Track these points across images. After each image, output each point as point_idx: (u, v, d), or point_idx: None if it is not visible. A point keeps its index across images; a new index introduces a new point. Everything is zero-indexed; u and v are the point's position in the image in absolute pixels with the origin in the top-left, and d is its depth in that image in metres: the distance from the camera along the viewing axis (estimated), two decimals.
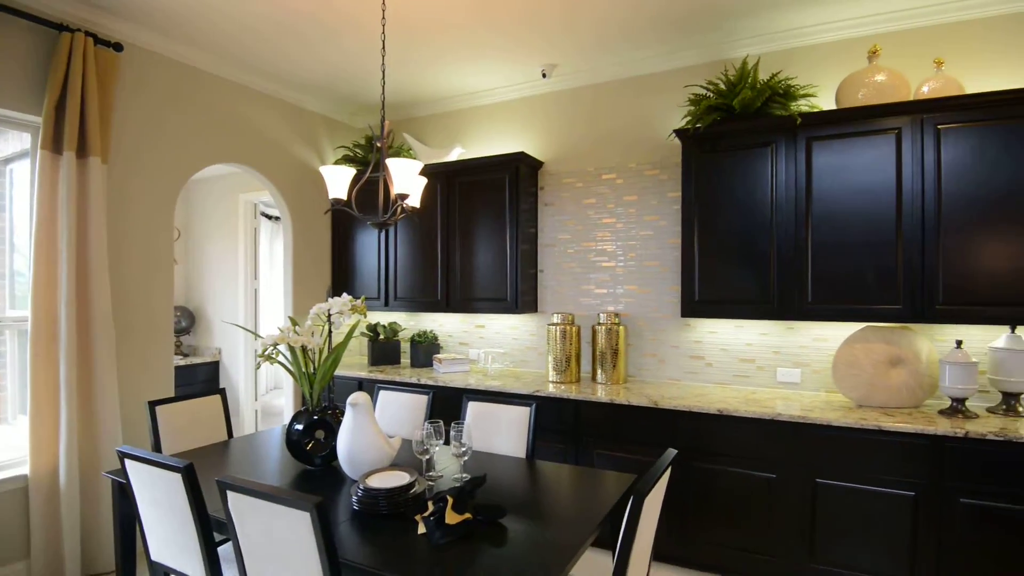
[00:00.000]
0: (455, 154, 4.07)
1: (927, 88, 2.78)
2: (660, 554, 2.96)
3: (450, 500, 1.71)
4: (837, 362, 2.84)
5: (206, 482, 1.95)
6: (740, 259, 3.02)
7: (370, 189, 3.79)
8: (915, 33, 2.99)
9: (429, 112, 4.41)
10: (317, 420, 2.33)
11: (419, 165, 2.19)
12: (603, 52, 3.47)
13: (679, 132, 3.18)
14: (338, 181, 2.34)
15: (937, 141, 2.64)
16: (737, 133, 3.03)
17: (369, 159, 4.12)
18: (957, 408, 2.60)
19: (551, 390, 3.24)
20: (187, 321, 5.43)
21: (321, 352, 2.39)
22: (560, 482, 2.23)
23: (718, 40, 3.31)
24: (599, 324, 3.46)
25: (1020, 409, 2.59)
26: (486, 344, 4.13)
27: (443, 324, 4.32)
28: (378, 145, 2.38)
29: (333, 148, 4.47)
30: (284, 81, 3.91)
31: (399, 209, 2.26)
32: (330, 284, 4.41)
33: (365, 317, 2.47)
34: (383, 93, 2.45)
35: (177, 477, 1.76)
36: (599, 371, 3.45)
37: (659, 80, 3.59)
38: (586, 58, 3.56)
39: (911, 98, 2.79)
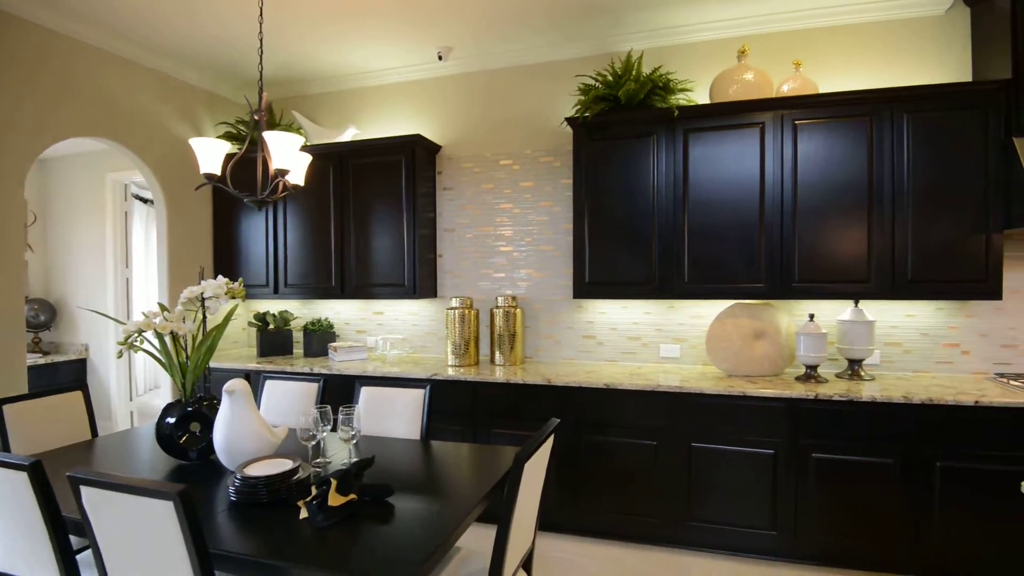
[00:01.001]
0: (348, 135, 3.94)
1: (787, 87, 3.07)
2: (554, 525, 3.08)
3: (333, 483, 1.68)
4: (710, 336, 3.09)
5: (60, 481, 1.77)
6: (626, 243, 3.19)
7: (252, 166, 3.57)
8: (778, 36, 3.28)
9: (321, 90, 4.23)
10: (192, 412, 2.19)
11: (300, 140, 2.10)
12: (497, 38, 3.50)
13: (570, 120, 3.28)
14: (211, 155, 2.18)
15: (795, 135, 2.93)
16: (623, 123, 3.18)
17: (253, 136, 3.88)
18: (810, 374, 2.92)
19: (450, 373, 3.25)
20: (46, 315, 4.85)
21: (195, 339, 2.24)
22: (452, 460, 2.25)
23: (606, 33, 3.45)
24: (497, 307, 3.51)
25: (862, 373, 2.96)
26: (384, 331, 4.05)
27: (339, 311, 4.18)
28: (256, 118, 2.25)
29: (214, 124, 4.16)
30: (158, 50, 3.57)
31: (280, 186, 2.15)
32: (212, 271, 4.12)
33: (243, 300, 2.34)
34: (260, 62, 2.32)
35: (22, 476, 1.58)
36: (497, 353, 3.51)
37: (552, 69, 3.68)
38: (480, 43, 3.57)
39: (773, 95, 3.07)
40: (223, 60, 3.77)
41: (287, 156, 2.05)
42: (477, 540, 2.28)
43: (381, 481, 1.90)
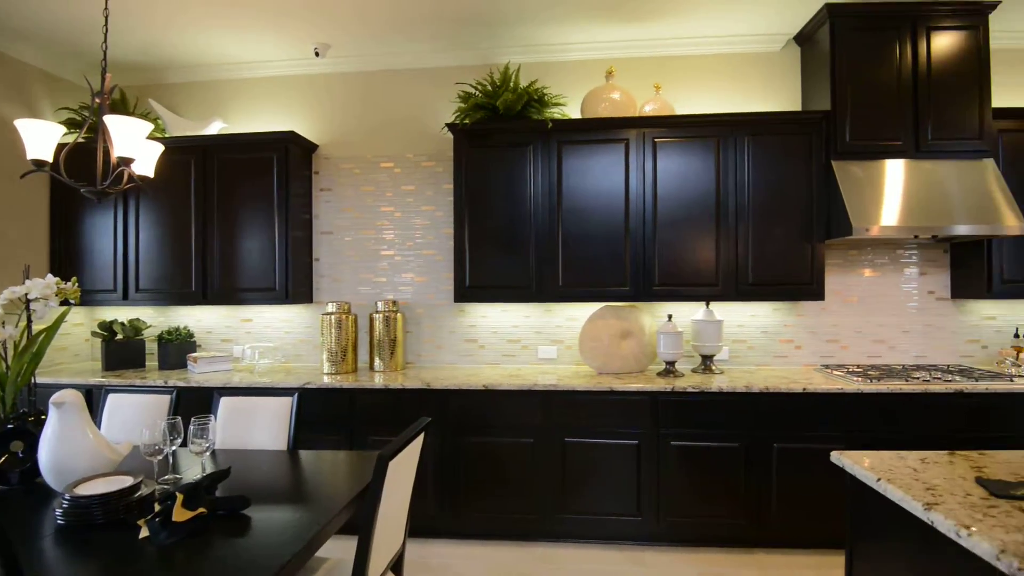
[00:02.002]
0: (214, 128, 3.68)
1: (649, 108, 3.34)
2: (436, 531, 3.06)
3: (179, 497, 1.54)
4: (582, 337, 3.26)
5: None
6: (505, 248, 3.28)
7: (95, 155, 3.21)
8: (641, 61, 3.57)
9: (185, 79, 3.91)
10: (13, 429, 1.92)
11: (147, 127, 1.93)
12: (374, 40, 3.46)
13: (451, 126, 3.32)
14: (40, 138, 1.94)
15: (654, 152, 3.20)
16: (501, 132, 3.28)
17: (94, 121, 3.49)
18: (670, 369, 3.17)
19: (325, 382, 3.12)
20: None
21: (17, 346, 1.97)
22: (318, 467, 2.16)
23: (485, 44, 3.55)
24: (377, 312, 3.44)
25: (713, 368, 3.26)
26: (253, 339, 3.80)
27: (201, 319, 3.86)
28: (98, 101, 2.03)
29: (55, 110, 3.69)
30: None
31: (124, 177, 1.96)
32: (47, 272, 3.62)
33: (77, 303, 2.10)
34: (105, 39, 2.10)
35: None
36: (377, 360, 3.43)
37: (434, 75, 3.70)
38: (359, 43, 3.51)
39: (637, 115, 3.32)
40: (68, 40, 3.36)
41: (131, 143, 1.88)
42: (348, 551, 2.21)
43: (238, 493, 1.78)
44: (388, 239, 3.74)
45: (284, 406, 2.48)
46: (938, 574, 1.25)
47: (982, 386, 2.77)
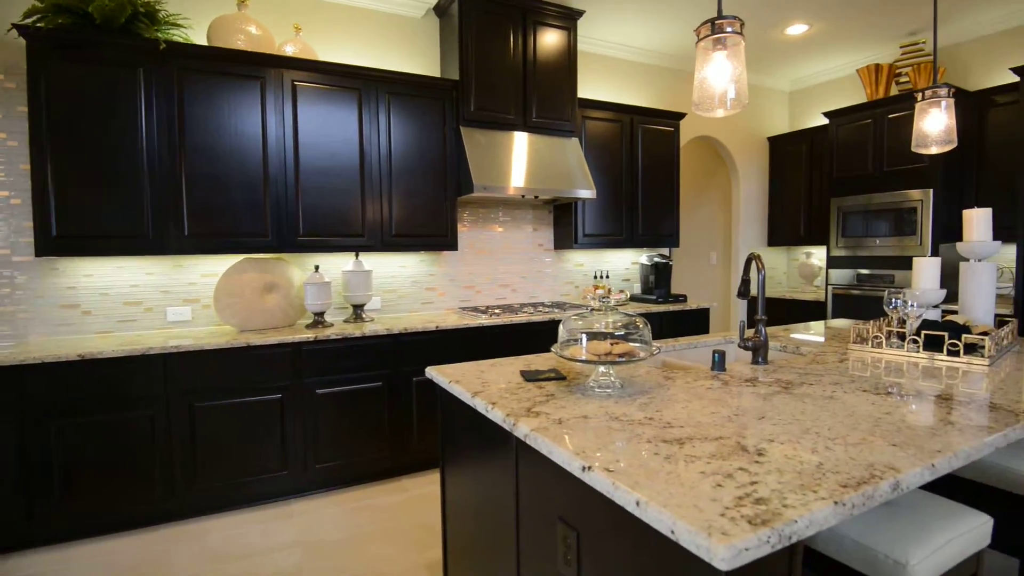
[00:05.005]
0: None
1: (290, 49, 3.17)
2: (24, 540, 2.44)
3: None
4: (218, 293, 2.98)
5: None
6: (109, 189, 2.73)
7: None
8: None
9: None
10: None
11: None
12: None
13: (22, 29, 2.56)
14: None
15: (295, 96, 3.06)
16: (100, 46, 2.68)
17: None
18: (319, 321, 3.16)
19: None
20: None
21: None
22: None
23: None
24: None
25: (364, 317, 3.37)
26: None
27: None
28: None
29: None
30: None
31: None
32: None
33: None
34: None
35: None
36: None
37: None
38: None
39: (276, 53, 3.12)
40: None
41: None
42: None
43: None
44: None
45: None
46: (490, 453, 1.54)
47: (569, 314, 3.55)
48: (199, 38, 3.08)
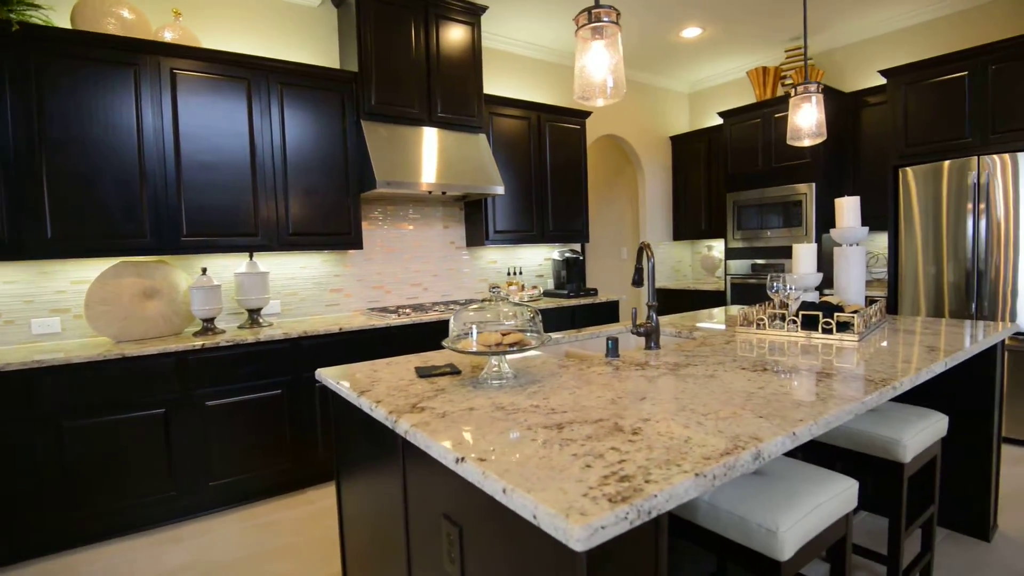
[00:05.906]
0: None
1: (168, 35, 2.93)
2: None
3: None
4: (90, 301, 2.70)
5: None
6: None
7: None
8: None
9: None
10: None
11: None
12: None
13: None
14: None
15: (174, 86, 2.84)
16: None
17: None
18: (208, 327, 2.94)
19: None
20: None
21: None
22: None
23: None
24: None
25: (262, 321, 3.18)
26: None
27: None
28: None
29: None
30: None
31: None
32: None
33: None
34: None
35: None
36: None
37: None
38: None
39: (151, 39, 2.88)
40: None
41: None
42: None
43: None
44: None
45: None
46: (380, 455, 1.47)
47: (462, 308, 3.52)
48: (63, 22, 2.78)
